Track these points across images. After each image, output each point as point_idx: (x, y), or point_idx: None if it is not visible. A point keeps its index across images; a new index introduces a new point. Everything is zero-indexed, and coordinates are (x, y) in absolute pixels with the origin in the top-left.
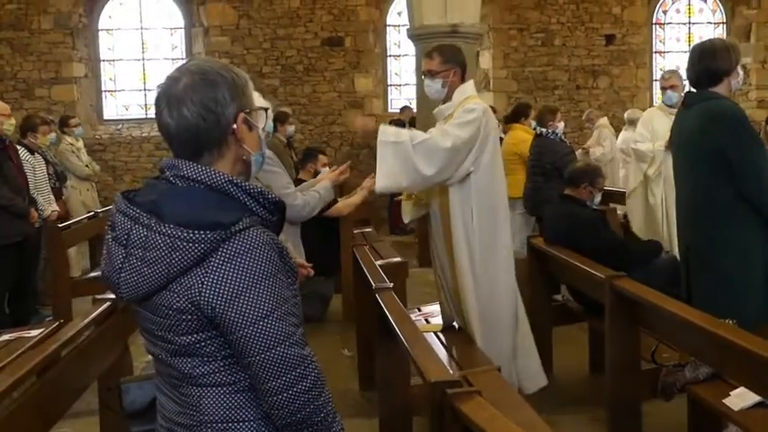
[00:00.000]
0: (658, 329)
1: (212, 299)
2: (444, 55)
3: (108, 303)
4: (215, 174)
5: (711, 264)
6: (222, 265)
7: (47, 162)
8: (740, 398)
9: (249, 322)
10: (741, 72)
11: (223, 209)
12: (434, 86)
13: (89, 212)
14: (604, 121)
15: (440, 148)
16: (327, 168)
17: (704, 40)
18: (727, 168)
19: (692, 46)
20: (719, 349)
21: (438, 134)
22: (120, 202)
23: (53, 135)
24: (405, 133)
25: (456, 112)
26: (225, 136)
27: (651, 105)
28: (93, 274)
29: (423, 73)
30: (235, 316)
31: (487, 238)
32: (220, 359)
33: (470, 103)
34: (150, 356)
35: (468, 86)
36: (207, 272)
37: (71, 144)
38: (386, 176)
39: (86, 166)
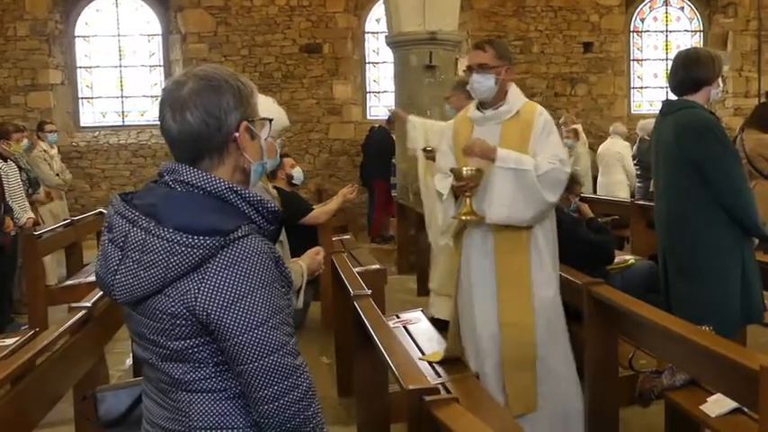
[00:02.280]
0: (636, 336)
1: (208, 305)
2: (498, 49)
3: (83, 312)
4: (215, 180)
5: (689, 270)
6: (220, 271)
7: (20, 169)
8: (717, 404)
9: (244, 330)
10: (721, 84)
11: (222, 216)
12: (486, 82)
13: (65, 220)
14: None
15: (562, 175)
16: (299, 168)
17: (689, 47)
18: (701, 177)
19: (676, 53)
20: (696, 356)
21: (558, 163)
22: (118, 204)
23: (26, 141)
24: (528, 161)
25: (532, 117)
26: (226, 143)
27: (629, 112)
28: (69, 283)
29: (469, 67)
30: (229, 323)
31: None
32: (212, 365)
33: (541, 109)
34: (127, 365)
35: (518, 89)
36: (204, 278)
37: (44, 151)
38: (504, 206)
39: (57, 174)
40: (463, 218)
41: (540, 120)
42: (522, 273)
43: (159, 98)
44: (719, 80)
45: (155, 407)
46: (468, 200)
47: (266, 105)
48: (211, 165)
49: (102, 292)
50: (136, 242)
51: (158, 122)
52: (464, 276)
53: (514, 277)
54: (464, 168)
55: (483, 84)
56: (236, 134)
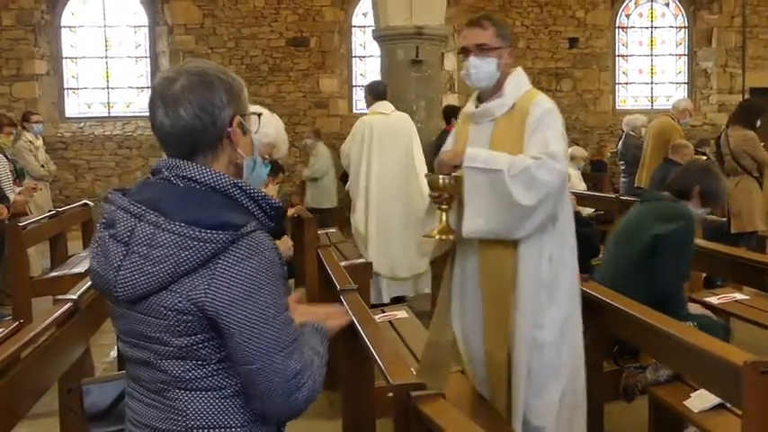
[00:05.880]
0: (620, 331)
1: (218, 301)
2: (500, 27)
3: (69, 304)
4: (218, 176)
5: None
6: (230, 267)
7: (7, 159)
8: (700, 400)
9: (252, 327)
10: (700, 211)
11: (230, 211)
12: (486, 68)
13: (49, 211)
14: None
15: (547, 173)
16: (277, 187)
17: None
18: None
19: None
20: (680, 352)
21: (544, 158)
22: (119, 199)
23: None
24: (502, 159)
25: (528, 110)
26: (220, 139)
27: (614, 108)
28: (53, 274)
29: (463, 49)
30: (239, 320)
31: (571, 301)
32: (215, 362)
33: (541, 99)
34: (111, 357)
35: (522, 75)
36: (214, 274)
37: (30, 142)
38: (479, 216)
39: (42, 166)
40: (437, 236)
41: (536, 112)
42: (503, 303)
43: (149, 95)
44: (702, 209)
45: (142, 407)
46: (443, 214)
47: (275, 124)
48: (206, 160)
49: (92, 288)
50: (143, 237)
51: (144, 114)
52: (456, 304)
53: (497, 307)
54: (440, 176)
55: (482, 69)
56: (230, 129)
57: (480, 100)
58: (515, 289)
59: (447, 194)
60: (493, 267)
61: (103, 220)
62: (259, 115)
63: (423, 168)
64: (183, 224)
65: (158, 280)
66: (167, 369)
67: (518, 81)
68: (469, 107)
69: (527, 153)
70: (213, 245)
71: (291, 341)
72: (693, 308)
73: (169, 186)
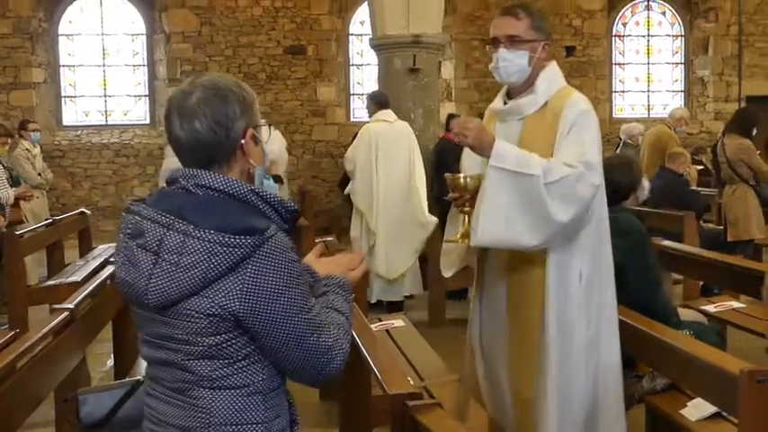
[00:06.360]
0: None
1: (252, 305)
2: (535, 18)
3: (66, 313)
4: (237, 183)
5: None
6: (261, 271)
7: (3, 167)
8: (697, 408)
9: (286, 320)
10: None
11: (252, 216)
12: (517, 62)
13: (46, 219)
14: None
15: (585, 186)
16: None
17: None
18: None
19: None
20: (677, 360)
21: (580, 167)
22: (145, 210)
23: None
24: (535, 162)
25: (561, 108)
26: (233, 150)
27: (610, 116)
28: (50, 283)
29: (494, 39)
30: (272, 320)
31: (605, 321)
32: (240, 359)
33: (576, 98)
34: (108, 366)
35: (556, 70)
36: (244, 278)
37: (27, 150)
38: (497, 223)
39: (39, 174)
40: (459, 240)
41: (571, 112)
42: (528, 329)
43: (165, 107)
44: (638, 194)
45: (164, 406)
46: (465, 217)
47: (279, 143)
48: (221, 170)
49: (89, 298)
50: (173, 245)
51: (141, 122)
52: (475, 327)
53: (522, 334)
54: (461, 176)
55: (513, 63)
56: (243, 141)
57: (509, 96)
58: (545, 308)
59: (468, 195)
60: (520, 288)
61: (128, 231)
62: (270, 125)
63: (422, 173)
64: (212, 231)
65: (189, 286)
66: (195, 369)
67: (551, 77)
68: (497, 103)
69: (559, 155)
70: (241, 250)
71: (319, 322)
72: (685, 314)
73: (188, 195)
